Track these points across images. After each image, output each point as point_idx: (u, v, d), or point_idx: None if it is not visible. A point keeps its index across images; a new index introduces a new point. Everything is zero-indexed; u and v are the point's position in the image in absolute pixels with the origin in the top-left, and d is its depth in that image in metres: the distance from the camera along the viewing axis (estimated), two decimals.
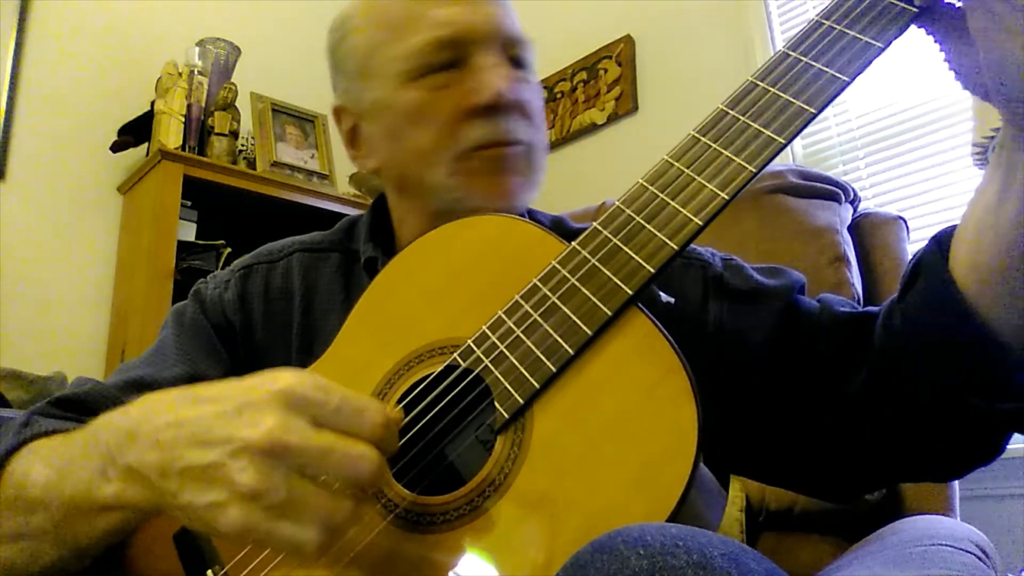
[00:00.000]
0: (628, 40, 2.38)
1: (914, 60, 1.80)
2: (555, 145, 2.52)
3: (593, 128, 2.42)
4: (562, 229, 0.81)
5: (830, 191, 1.26)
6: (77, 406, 0.68)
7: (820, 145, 2.00)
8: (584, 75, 2.48)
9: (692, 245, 0.77)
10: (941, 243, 0.56)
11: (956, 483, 1.07)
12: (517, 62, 0.73)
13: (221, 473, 0.43)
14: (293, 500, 0.43)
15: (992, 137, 1.18)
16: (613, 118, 2.37)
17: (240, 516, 0.43)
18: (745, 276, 0.73)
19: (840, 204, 1.27)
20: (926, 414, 0.56)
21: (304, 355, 0.74)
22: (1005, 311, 0.51)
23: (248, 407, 0.44)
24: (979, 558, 0.63)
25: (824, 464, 0.65)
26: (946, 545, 0.63)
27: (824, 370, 0.63)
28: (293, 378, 0.45)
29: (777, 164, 1.39)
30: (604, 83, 2.41)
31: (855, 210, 1.29)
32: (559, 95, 2.54)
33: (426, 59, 0.70)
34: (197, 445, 0.45)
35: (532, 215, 0.83)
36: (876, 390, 0.59)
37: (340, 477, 0.44)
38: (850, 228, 1.25)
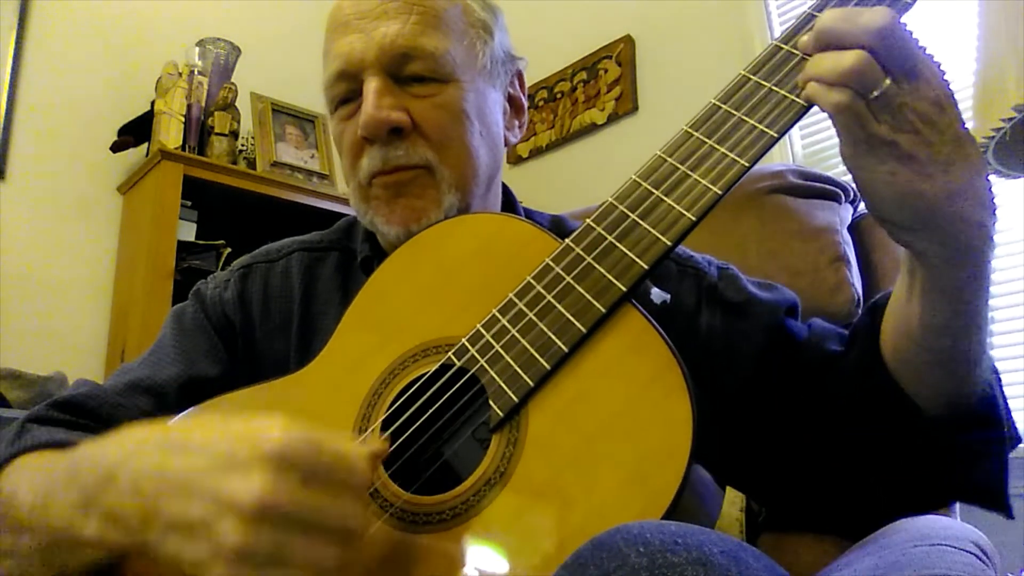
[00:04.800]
0: (628, 40, 2.38)
1: None
2: (555, 145, 2.52)
3: (593, 128, 2.41)
4: (561, 229, 0.81)
5: (830, 191, 1.26)
6: (75, 408, 0.68)
7: (820, 145, 1.99)
8: (584, 75, 2.48)
9: (690, 253, 0.78)
10: (875, 315, 0.63)
11: None
12: (413, 78, 0.70)
13: (207, 531, 0.42)
14: (281, 555, 0.41)
15: (992, 137, 1.17)
16: (613, 118, 2.36)
17: (226, 574, 0.41)
18: (738, 287, 0.74)
19: (840, 204, 1.26)
20: (870, 453, 0.62)
21: (302, 354, 0.74)
22: (917, 383, 0.59)
23: (237, 464, 0.43)
24: (979, 558, 0.62)
25: (801, 484, 0.67)
26: (946, 545, 0.62)
27: (799, 396, 0.65)
28: (284, 434, 0.43)
29: (777, 164, 1.38)
30: (604, 83, 2.40)
31: (855, 210, 1.28)
32: (559, 95, 2.53)
33: (332, 92, 0.74)
34: (182, 498, 0.43)
35: (530, 216, 0.83)
36: (837, 425, 0.64)
37: (329, 535, 0.43)
38: (850, 228, 1.25)
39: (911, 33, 0.49)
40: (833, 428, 0.63)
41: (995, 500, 0.61)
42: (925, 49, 0.49)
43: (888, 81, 0.47)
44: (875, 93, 0.47)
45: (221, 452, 0.43)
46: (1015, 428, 0.62)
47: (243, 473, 0.42)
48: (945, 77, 0.49)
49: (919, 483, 0.61)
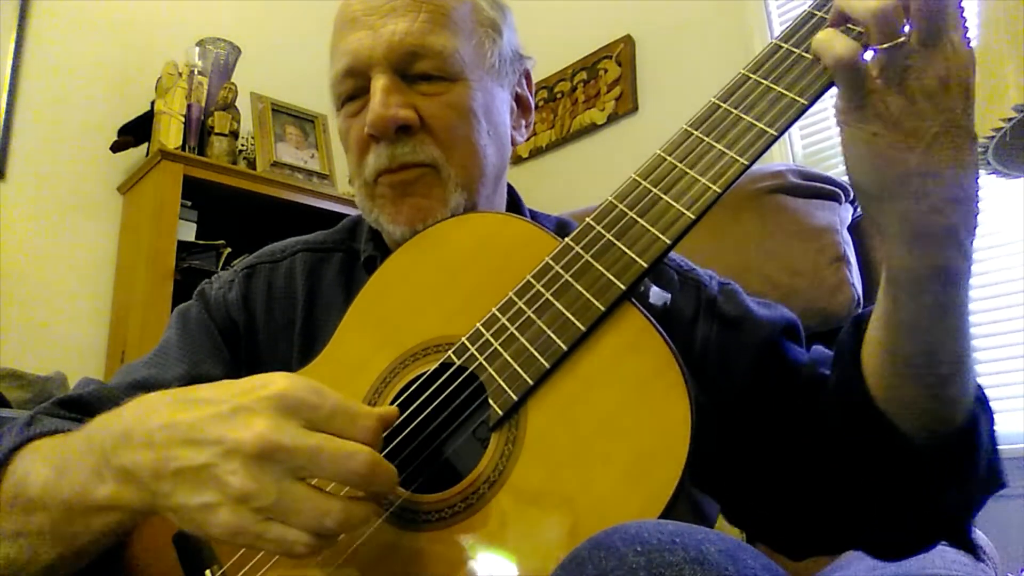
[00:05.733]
0: (628, 40, 2.38)
1: None
2: (555, 145, 2.52)
3: (593, 128, 2.42)
4: (565, 232, 0.81)
5: (830, 191, 1.26)
6: (81, 407, 0.68)
7: (820, 145, 1.99)
8: (584, 75, 2.48)
9: (693, 266, 0.78)
10: (859, 327, 0.59)
11: None
12: (421, 76, 0.70)
13: (213, 474, 0.44)
14: (283, 502, 0.43)
15: (992, 137, 1.17)
16: (613, 118, 2.37)
17: (230, 518, 0.43)
18: (737, 302, 0.74)
19: (840, 204, 1.26)
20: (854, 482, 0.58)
21: (306, 354, 0.74)
22: (896, 403, 0.55)
23: (242, 409, 0.45)
24: (978, 558, 0.62)
25: (777, 507, 0.64)
26: (944, 545, 0.62)
27: (788, 418, 0.63)
28: (287, 382, 0.45)
29: (777, 164, 1.38)
30: (604, 83, 2.41)
31: (855, 210, 1.28)
32: (559, 95, 2.54)
33: (338, 89, 0.73)
34: (190, 446, 0.45)
35: (535, 218, 0.83)
36: (821, 448, 0.61)
37: (332, 477, 0.44)
38: (850, 228, 1.25)
39: (957, 8, 0.47)
40: (818, 451, 0.60)
41: (957, 537, 0.58)
42: (966, 32, 0.47)
43: (908, 38, 0.46)
44: (889, 44, 0.46)
45: (228, 401, 0.45)
46: (999, 468, 0.58)
47: (247, 417, 0.44)
48: (971, 70, 0.47)
49: (896, 512, 0.57)
